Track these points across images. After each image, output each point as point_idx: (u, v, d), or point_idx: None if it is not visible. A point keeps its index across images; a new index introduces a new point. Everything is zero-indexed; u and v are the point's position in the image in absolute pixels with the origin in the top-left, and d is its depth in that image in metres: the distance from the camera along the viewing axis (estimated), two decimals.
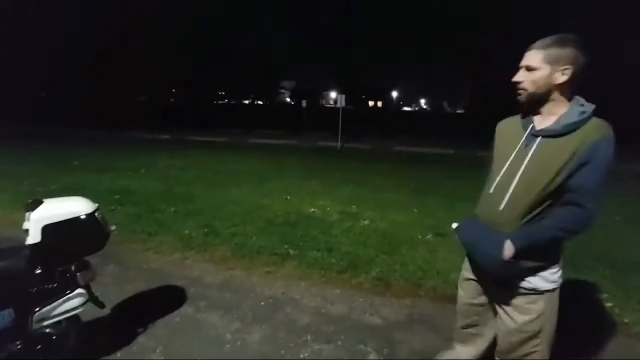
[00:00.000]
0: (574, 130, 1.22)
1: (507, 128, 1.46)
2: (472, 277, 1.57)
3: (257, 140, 14.59)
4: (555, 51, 1.25)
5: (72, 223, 1.74)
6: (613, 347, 2.30)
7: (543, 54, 1.26)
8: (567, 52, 1.24)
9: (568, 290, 1.41)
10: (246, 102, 31.29)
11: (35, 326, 1.70)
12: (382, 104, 32.82)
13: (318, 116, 18.17)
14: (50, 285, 1.74)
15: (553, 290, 1.35)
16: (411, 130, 17.97)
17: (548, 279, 1.33)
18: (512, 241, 1.27)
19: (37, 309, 1.70)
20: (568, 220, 1.24)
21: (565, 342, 2.23)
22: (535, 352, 1.41)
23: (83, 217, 1.78)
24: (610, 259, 3.51)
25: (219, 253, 3.55)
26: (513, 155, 1.35)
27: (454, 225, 1.55)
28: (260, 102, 31.47)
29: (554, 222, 1.25)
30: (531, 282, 1.34)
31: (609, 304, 2.74)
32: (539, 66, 1.27)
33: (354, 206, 5.17)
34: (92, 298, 1.88)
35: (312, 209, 4.98)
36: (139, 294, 2.77)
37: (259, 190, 5.98)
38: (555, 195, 1.26)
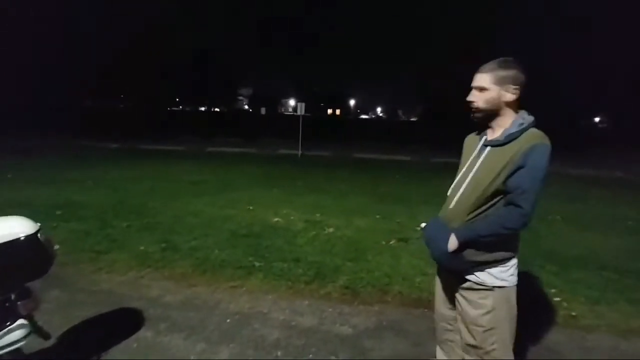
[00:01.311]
0: (514, 139, 1.38)
1: (470, 141, 1.64)
2: (440, 285, 1.72)
3: (215, 149, 14.13)
4: (501, 73, 1.41)
5: (10, 246, 1.54)
6: (563, 339, 2.47)
7: (491, 76, 1.42)
8: (510, 73, 1.40)
9: (519, 286, 1.50)
10: (202, 109, 30.40)
11: None
12: (340, 112, 33.50)
13: (277, 124, 18.11)
14: None
15: (503, 287, 1.44)
16: (370, 137, 18.47)
17: (497, 276, 1.43)
18: (456, 235, 1.42)
19: None
20: (506, 218, 1.36)
21: (517, 336, 2.38)
22: (493, 350, 1.47)
23: (22, 238, 1.58)
24: (556, 256, 3.80)
25: (178, 269, 3.35)
26: (468, 163, 1.53)
27: (422, 225, 1.68)
28: (217, 109, 30.73)
29: (494, 219, 1.38)
30: (479, 276, 1.45)
31: (557, 299, 2.95)
32: (488, 87, 1.42)
33: (317, 214, 5.16)
34: (35, 329, 1.66)
35: (276, 219, 4.90)
36: (90, 320, 2.51)
37: (219, 201, 5.77)
38: (498, 195, 1.39)
